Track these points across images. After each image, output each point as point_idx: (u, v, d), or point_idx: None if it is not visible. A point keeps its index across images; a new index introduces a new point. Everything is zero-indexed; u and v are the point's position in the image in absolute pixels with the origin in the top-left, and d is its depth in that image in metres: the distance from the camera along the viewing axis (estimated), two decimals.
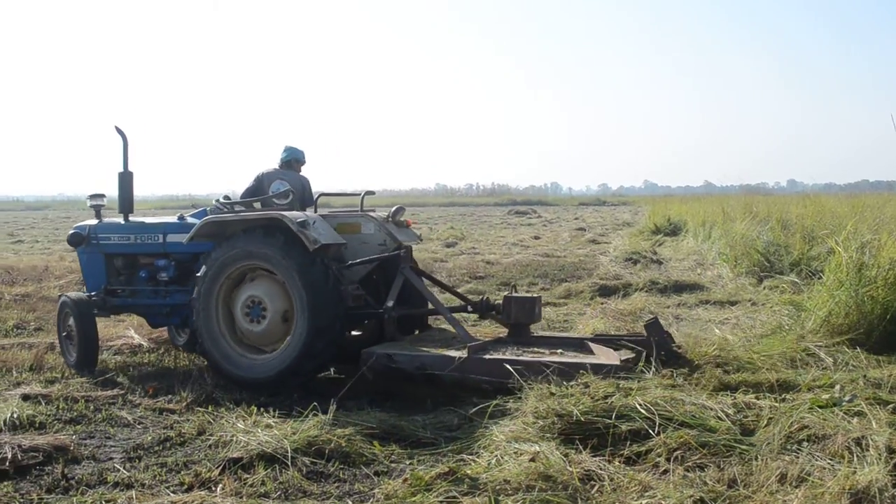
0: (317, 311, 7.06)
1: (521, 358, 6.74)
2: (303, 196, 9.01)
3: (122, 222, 8.83)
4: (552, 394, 5.75)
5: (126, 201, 8.79)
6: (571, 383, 6.01)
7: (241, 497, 4.54)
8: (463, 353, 6.77)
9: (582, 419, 5.18)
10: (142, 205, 56.77)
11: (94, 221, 9.03)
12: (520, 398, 5.81)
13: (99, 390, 7.20)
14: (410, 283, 7.71)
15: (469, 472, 4.45)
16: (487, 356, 6.78)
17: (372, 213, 8.27)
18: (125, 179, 8.70)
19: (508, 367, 6.42)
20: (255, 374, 7.28)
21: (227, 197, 8.88)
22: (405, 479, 4.43)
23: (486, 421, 5.65)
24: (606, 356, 6.75)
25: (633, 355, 6.77)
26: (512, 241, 25.87)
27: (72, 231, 8.99)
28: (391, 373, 6.90)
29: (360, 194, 8.76)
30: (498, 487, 4.27)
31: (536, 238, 27.28)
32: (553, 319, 10.84)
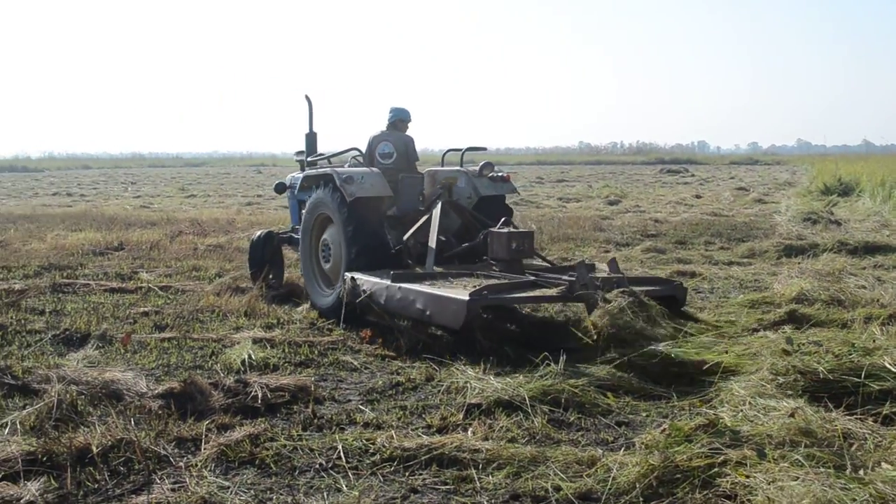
0: (351, 257, 8.02)
1: (411, 287, 6.98)
2: (406, 154, 9.50)
3: None
4: (786, 352, 5.65)
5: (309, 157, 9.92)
6: (802, 341, 5.90)
7: (492, 441, 4.64)
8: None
9: (830, 377, 5.07)
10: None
11: (297, 173, 10.19)
12: (755, 355, 5.74)
13: (317, 336, 7.50)
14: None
15: (729, 424, 4.42)
16: (401, 285, 7.08)
17: (465, 169, 8.98)
18: (310, 138, 9.96)
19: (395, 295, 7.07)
20: (320, 304, 8.50)
21: (299, 152, 10.13)
22: (663, 430, 4.43)
23: (716, 377, 5.62)
24: (458, 293, 6.61)
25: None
26: (673, 199, 25.36)
27: (278, 181, 10.56)
28: (357, 295, 7.49)
29: (483, 149, 10.03)
30: (761, 441, 4.22)
31: (698, 197, 26.66)
32: (742, 278, 10.63)
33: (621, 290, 6.75)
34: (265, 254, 10.00)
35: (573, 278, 6.98)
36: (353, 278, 7.66)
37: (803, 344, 5.83)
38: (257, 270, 9.85)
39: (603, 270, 10.31)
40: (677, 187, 33.93)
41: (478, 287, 6.77)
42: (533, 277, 7.39)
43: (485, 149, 10.59)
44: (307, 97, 9.88)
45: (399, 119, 9.64)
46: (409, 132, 9.75)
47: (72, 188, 37.09)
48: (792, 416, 4.44)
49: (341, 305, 7.82)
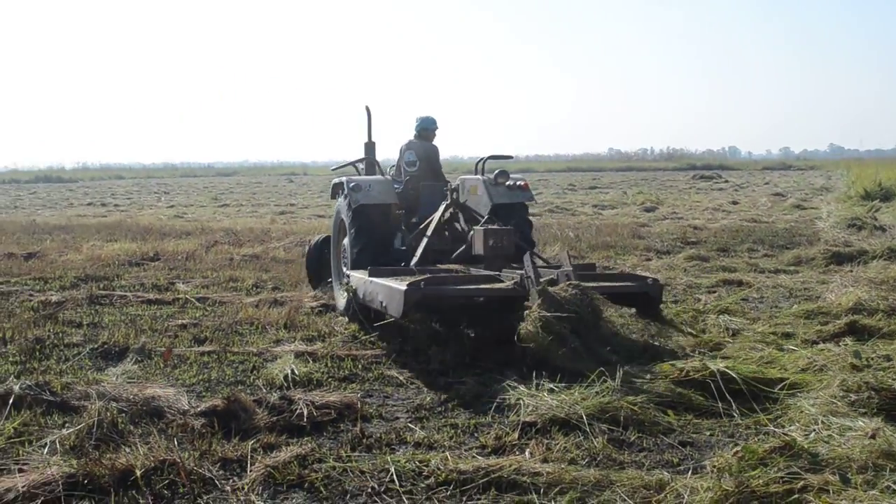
0: (353, 259, 8.46)
1: (377, 280, 7.22)
2: (429, 162, 9.78)
3: None
4: (855, 366, 5.39)
5: (370, 164, 10.23)
6: (870, 354, 5.64)
7: (552, 463, 4.41)
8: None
9: None
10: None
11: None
12: (821, 370, 5.47)
13: (360, 349, 7.28)
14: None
15: (806, 446, 4.16)
16: (373, 279, 7.33)
17: (484, 178, 9.01)
18: (369, 147, 10.24)
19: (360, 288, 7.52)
20: (339, 304, 8.81)
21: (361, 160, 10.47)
22: (736, 453, 4.17)
23: (782, 393, 5.36)
24: (400, 284, 6.71)
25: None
26: (710, 206, 25.01)
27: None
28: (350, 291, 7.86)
29: (509, 158, 10.74)
30: (842, 465, 3.96)
31: (735, 203, 26.29)
32: (791, 287, 10.31)
33: (568, 283, 6.58)
34: (323, 258, 10.20)
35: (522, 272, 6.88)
36: (347, 276, 8.18)
37: (872, 358, 5.57)
38: (314, 275, 10.28)
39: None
40: (712, 193, 33.50)
41: (418, 279, 6.88)
42: (497, 273, 7.39)
43: (510, 157, 10.82)
44: (367, 108, 10.10)
45: (423, 128, 9.94)
46: (435, 141, 9.98)
47: (106, 198, 37.28)
48: (873, 437, 4.18)
49: (350, 305, 8.08)
